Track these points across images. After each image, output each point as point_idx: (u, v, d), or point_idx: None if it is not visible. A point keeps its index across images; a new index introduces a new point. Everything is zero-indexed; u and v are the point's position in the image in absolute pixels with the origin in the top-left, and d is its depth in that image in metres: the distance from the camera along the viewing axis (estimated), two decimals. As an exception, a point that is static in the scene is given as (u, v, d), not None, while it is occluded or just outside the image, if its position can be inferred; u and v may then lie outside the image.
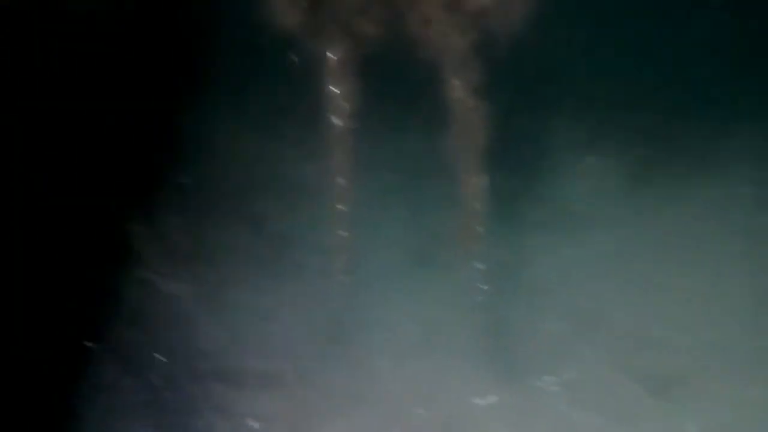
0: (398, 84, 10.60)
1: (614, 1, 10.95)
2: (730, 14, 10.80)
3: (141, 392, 10.01)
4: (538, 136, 10.62)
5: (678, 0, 10.91)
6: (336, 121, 10.52)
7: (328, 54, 10.52)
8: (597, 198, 10.44)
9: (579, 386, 9.98)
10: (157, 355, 10.16)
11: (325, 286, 10.46)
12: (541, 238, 10.40)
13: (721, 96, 10.51)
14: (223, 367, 10.24)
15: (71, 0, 10.68)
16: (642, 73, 10.69)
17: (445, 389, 10.07)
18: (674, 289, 10.12)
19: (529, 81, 10.62)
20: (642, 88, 10.63)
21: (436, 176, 10.52)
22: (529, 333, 10.19)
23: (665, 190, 10.31)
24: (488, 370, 10.08)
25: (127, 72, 10.75)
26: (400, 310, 10.31)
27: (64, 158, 10.52)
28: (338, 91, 10.50)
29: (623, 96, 10.56)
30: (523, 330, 10.20)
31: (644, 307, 10.12)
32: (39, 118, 10.49)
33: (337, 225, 10.54)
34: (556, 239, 10.39)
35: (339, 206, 10.55)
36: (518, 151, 10.58)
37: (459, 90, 10.43)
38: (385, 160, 10.61)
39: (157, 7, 10.81)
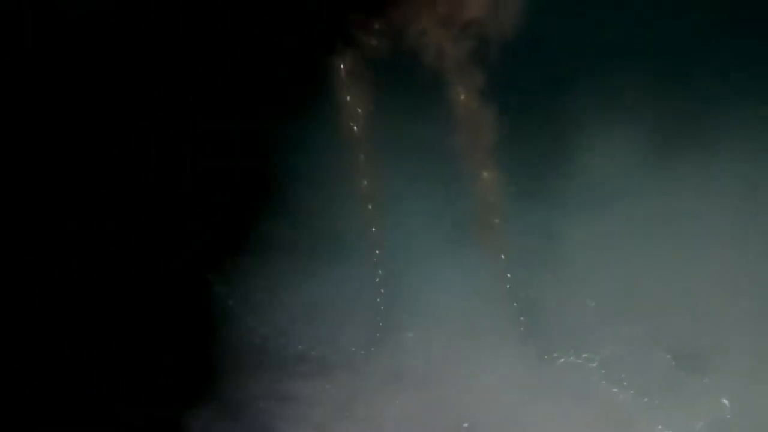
0: (405, 89, 10.88)
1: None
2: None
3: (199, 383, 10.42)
4: (556, 121, 10.74)
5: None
6: (351, 124, 10.96)
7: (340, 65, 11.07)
8: (620, 173, 10.47)
9: (616, 363, 10.31)
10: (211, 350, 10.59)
11: (364, 275, 10.93)
12: (565, 218, 10.60)
13: (741, 77, 10.44)
14: (275, 356, 10.77)
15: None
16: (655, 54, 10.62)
17: (485, 371, 10.49)
18: (704, 263, 10.18)
19: (539, 72, 10.80)
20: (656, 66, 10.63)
21: (453, 171, 10.84)
22: (561, 313, 10.59)
23: (690, 162, 10.20)
24: (527, 351, 10.53)
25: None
26: (437, 297, 10.78)
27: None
28: (350, 98, 11.02)
29: (638, 74, 10.49)
30: (556, 311, 10.60)
31: (676, 281, 10.23)
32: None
33: (371, 216, 10.96)
34: (580, 218, 10.54)
35: (370, 200, 10.99)
36: (536, 137, 10.77)
37: (463, 92, 10.81)
38: (404, 159, 10.92)
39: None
